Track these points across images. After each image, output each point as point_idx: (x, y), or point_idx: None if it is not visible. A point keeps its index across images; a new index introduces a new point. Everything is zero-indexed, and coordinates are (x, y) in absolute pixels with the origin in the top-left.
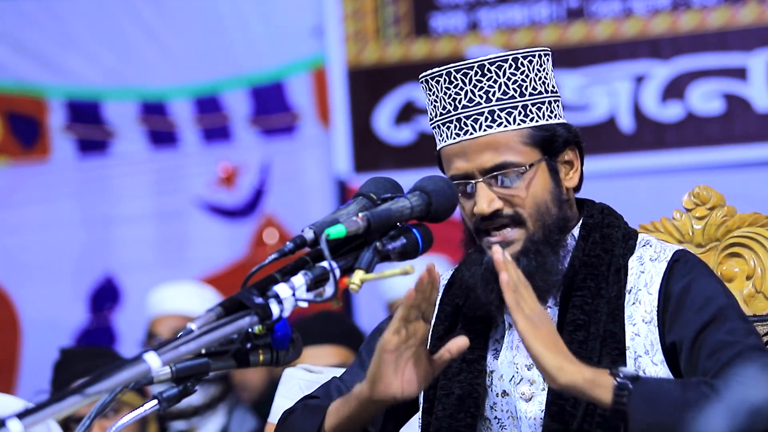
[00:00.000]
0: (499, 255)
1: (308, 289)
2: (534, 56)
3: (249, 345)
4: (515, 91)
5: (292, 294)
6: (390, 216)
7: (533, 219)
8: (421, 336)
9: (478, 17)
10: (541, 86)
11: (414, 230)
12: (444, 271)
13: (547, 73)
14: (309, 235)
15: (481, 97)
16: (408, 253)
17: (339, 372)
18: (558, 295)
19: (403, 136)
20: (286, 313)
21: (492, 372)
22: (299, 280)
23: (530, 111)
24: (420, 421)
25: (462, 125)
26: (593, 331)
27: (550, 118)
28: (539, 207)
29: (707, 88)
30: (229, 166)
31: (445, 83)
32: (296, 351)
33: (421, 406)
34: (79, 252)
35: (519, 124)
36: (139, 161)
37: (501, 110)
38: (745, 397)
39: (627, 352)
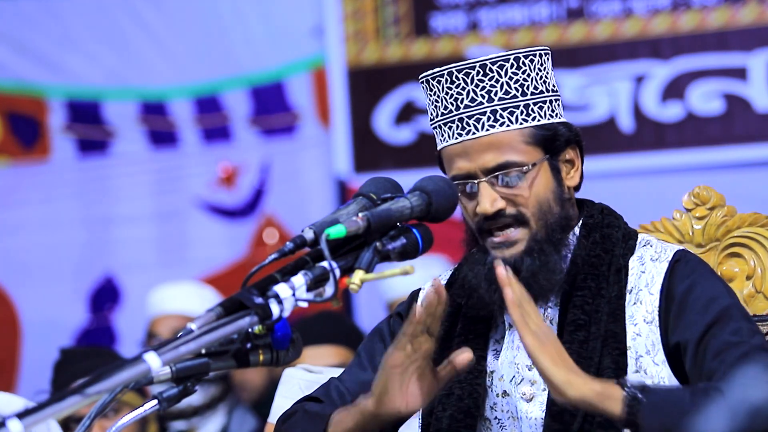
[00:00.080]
0: (502, 271)
1: (308, 289)
2: (535, 55)
3: (249, 345)
4: (517, 90)
5: (292, 294)
6: (390, 216)
7: (536, 218)
8: (427, 351)
9: (478, 17)
10: (542, 85)
11: (414, 230)
12: (443, 271)
13: (547, 73)
14: (309, 235)
15: (483, 96)
16: (408, 253)
17: (339, 372)
18: (558, 295)
19: (403, 136)
20: (286, 313)
21: (492, 372)
22: (299, 280)
23: (532, 110)
24: (420, 421)
25: (464, 125)
26: (594, 330)
27: (552, 117)
28: (542, 206)
29: (707, 88)
30: (229, 166)
31: (446, 83)
32: (296, 351)
33: None
34: (79, 252)
35: (521, 124)
36: (139, 161)
37: (503, 110)
38: (745, 396)
39: (628, 353)
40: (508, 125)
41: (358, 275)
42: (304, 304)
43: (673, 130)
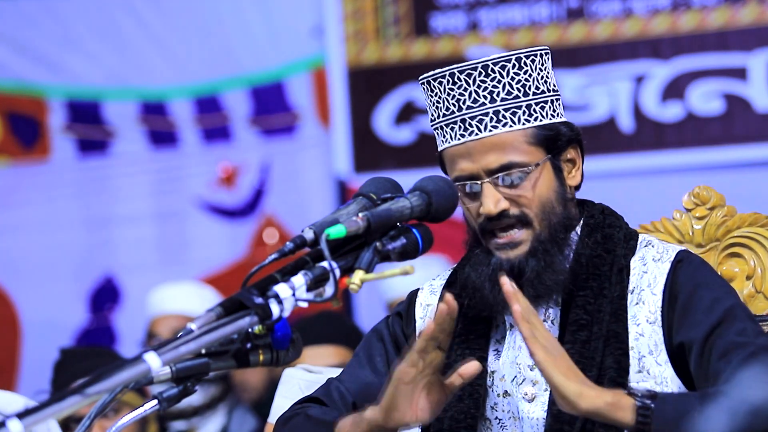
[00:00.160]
0: (508, 286)
1: (308, 289)
2: (536, 55)
3: (249, 345)
4: (519, 90)
5: (292, 294)
6: (390, 216)
7: (539, 219)
8: (437, 364)
9: (478, 17)
10: (544, 85)
11: (414, 230)
12: (442, 271)
13: (548, 72)
14: (309, 235)
15: (485, 97)
16: (408, 253)
17: (338, 372)
18: (560, 294)
19: (403, 136)
20: (286, 313)
21: (493, 372)
22: (299, 280)
23: (534, 110)
24: None
25: (467, 126)
26: (596, 330)
27: (553, 117)
28: (545, 206)
29: (707, 88)
30: (229, 166)
31: (448, 84)
32: (296, 351)
33: None
34: (79, 252)
35: (524, 124)
36: (139, 161)
37: (506, 110)
38: (746, 396)
39: (631, 353)
40: (510, 126)
41: (358, 275)
42: (304, 304)
43: (673, 130)
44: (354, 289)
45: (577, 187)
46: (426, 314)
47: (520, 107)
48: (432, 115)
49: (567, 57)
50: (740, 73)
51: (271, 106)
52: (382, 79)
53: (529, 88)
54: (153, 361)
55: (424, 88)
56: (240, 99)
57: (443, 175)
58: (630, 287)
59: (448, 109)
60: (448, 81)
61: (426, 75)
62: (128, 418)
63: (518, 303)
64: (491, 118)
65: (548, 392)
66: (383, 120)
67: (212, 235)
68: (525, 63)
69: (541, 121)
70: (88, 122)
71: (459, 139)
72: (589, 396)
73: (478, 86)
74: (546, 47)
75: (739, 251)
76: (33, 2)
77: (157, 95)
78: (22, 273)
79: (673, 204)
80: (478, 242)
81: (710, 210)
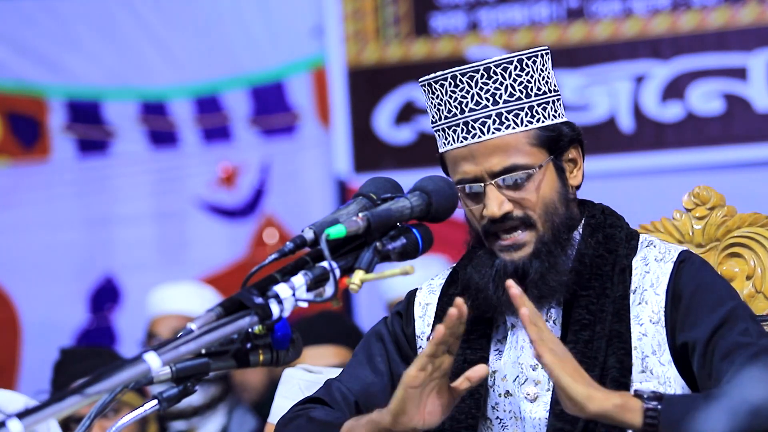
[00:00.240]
0: (515, 290)
1: (308, 289)
2: (537, 56)
3: (249, 345)
4: (521, 92)
5: (292, 294)
6: (390, 216)
7: (542, 220)
8: (446, 368)
9: (478, 17)
10: (545, 86)
11: (414, 230)
12: (440, 271)
13: (549, 73)
14: (309, 235)
15: (488, 99)
16: (408, 253)
17: (338, 372)
18: (562, 295)
19: (403, 136)
20: (286, 313)
21: (495, 372)
22: (299, 280)
23: (536, 112)
24: None
25: (470, 129)
26: (599, 330)
27: (555, 117)
28: (548, 208)
29: (707, 88)
30: (229, 166)
31: (450, 86)
32: (296, 351)
33: None
34: (79, 252)
35: (526, 126)
36: (139, 161)
37: (508, 112)
38: (746, 396)
39: (634, 353)
40: (513, 128)
41: (358, 275)
42: (304, 304)
43: (673, 130)
44: (354, 289)
45: (578, 187)
46: (425, 313)
47: (522, 109)
48: (433, 117)
49: (567, 57)
50: (740, 73)
51: (271, 106)
52: (382, 79)
53: (531, 90)
54: (153, 361)
55: (424, 90)
56: (240, 99)
57: (443, 175)
58: (632, 287)
59: (450, 111)
60: (450, 83)
61: (427, 77)
62: (128, 418)
63: (526, 306)
64: (494, 121)
65: (550, 392)
66: (383, 120)
67: (212, 235)
68: (527, 64)
69: (543, 122)
70: (88, 122)
71: (462, 141)
72: (598, 398)
73: (480, 88)
74: (546, 47)
75: (739, 251)
76: (33, 2)
77: (157, 95)
78: (22, 273)
79: (673, 204)
80: (480, 243)
81: (710, 210)
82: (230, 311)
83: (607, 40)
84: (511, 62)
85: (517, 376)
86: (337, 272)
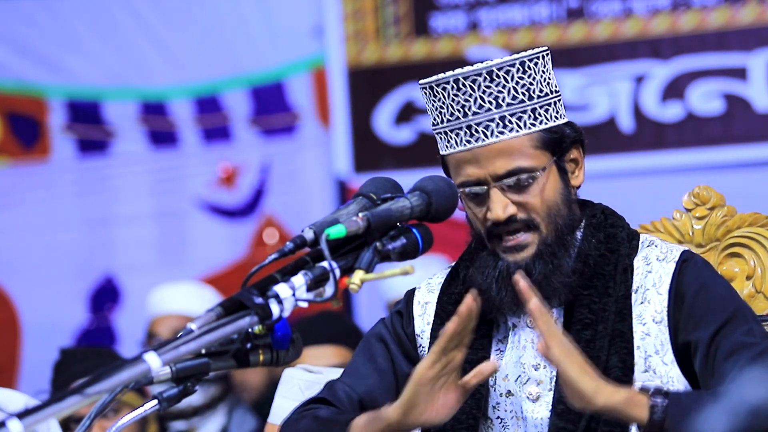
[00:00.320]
0: (525, 284)
1: (308, 289)
2: (539, 58)
3: (249, 345)
4: (524, 95)
5: (292, 294)
6: (390, 216)
7: (546, 222)
8: (457, 363)
9: (478, 17)
10: (547, 87)
11: (414, 230)
12: (439, 270)
13: (550, 74)
14: (309, 235)
15: (491, 103)
16: (408, 253)
17: (339, 372)
18: (565, 295)
19: (403, 136)
20: (286, 313)
21: (496, 372)
22: (299, 280)
23: (539, 114)
24: None
25: (473, 132)
26: (601, 329)
27: (557, 118)
28: (551, 209)
29: (707, 88)
30: (229, 166)
31: (452, 90)
32: (296, 351)
33: None
34: (79, 252)
35: (530, 128)
36: (139, 161)
37: (511, 115)
38: (746, 396)
39: (637, 352)
40: (517, 131)
41: (358, 275)
42: (304, 304)
43: (673, 130)
44: (354, 289)
45: (579, 187)
46: (424, 312)
47: (525, 111)
48: (435, 119)
49: (567, 57)
50: (740, 73)
51: (271, 106)
52: (382, 79)
53: (534, 92)
54: (153, 361)
55: (425, 93)
56: (240, 99)
57: (443, 175)
58: (634, 286)
59: (452, 114)
60: (452, 87)
61: (428, 80)
62: (128, 418)
63: (534, 298)
64: (497, 124)
65: (552, 392)
66: (383, 120)
67: (212, 235)
68: (528, 66)
69: (546, 123)
70: (88, 122)
71: (465, 145)
72: (606, 392)
73: (483, 92)
74: (546, 48)
75: (739, 251)
76: (33, 2)
77: (157, 95)
78: (22, 273)
79: (673, 204)
80: (482, 244)
81: (710, 210)
82: (230, 311)
83: (607, 40)
84: (513, 65)
85: (519, 376)
86: (337, 272)
